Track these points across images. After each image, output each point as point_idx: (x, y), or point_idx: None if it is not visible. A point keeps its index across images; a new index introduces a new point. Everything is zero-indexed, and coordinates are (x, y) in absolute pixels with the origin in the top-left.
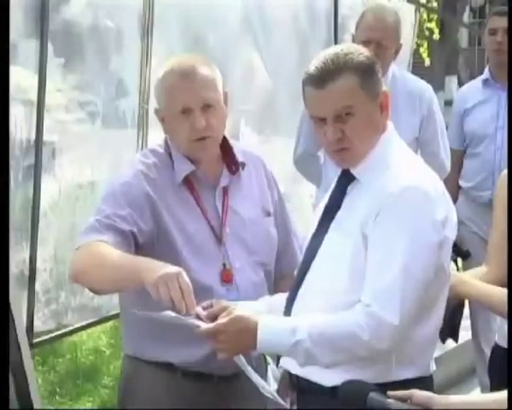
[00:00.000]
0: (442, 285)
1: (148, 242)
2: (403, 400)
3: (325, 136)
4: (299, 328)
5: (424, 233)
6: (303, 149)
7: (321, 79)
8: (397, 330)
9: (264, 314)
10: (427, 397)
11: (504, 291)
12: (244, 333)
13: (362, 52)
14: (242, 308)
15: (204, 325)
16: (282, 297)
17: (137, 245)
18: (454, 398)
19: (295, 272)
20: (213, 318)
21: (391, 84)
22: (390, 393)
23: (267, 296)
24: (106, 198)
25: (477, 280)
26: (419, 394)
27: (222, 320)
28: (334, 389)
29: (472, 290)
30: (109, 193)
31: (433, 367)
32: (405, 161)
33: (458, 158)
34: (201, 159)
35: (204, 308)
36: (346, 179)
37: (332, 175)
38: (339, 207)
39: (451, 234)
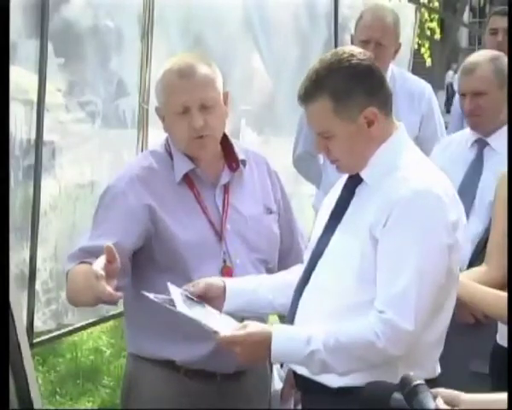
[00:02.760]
0: (450, 289)
1: (147, 243)
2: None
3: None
4: (313, 338)
5: (436, 237)
6: (302, 150)
7: (301, 99)
8: (412, 335)
9: (278, 324)
10: (453, 395)
11: (488, 294)
12: (259, 345)
13: (348, 65)
14: (255, 323)
15: (221, 333)
16: (272, 277)
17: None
18: (481, 397)
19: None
20: (202, 295)
21: (390, 84)
22: None
23: (253, 275)
24: (99, 214)
25: (471, 281)
26: (445, 392)
27: (239, 332)
28: (339, 390)
29: (463, 291)
30: (103, 207)
31: (439, 369)
32: (415, 163)
33: None
34: (200, 158)
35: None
36: (355, 181)
37: (332, 176)
38: (346, 208)
39: (461, 237)
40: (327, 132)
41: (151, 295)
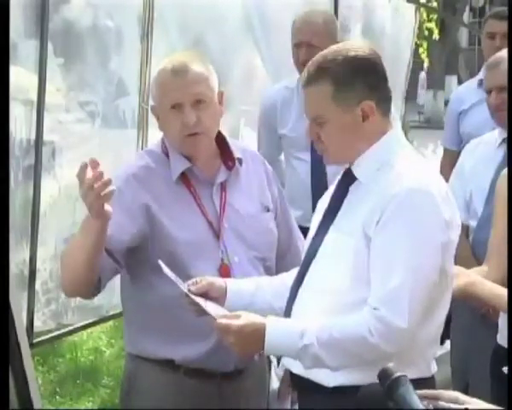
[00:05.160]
0: (445, 287)
1: (144, 243)
2: (434, 398)
3: None
4: (307, 332)
5: (429, 235)
6: (265, 153)
7: (304, 82)
8: (405, 332)
9: (273, 317)
10: (453, 396)
11: (498, 288)
12: (252, 337)
13: (354, 55)
14: (250, 314)
15: (218, 319)
16: (271, 279)
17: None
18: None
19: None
20: (203, 293)
21: None
22: (417, 392)
23: (255, 277)
24: None
25: (487, 281)
26: (446, 392)
27: (234, 322)
28: (334, 389)
29: (479, 292)
30: None
31: (435, 368)
32: (409, 162)
33: (454, 158)
34: (194, 155)
35: (189, 285)
36: (348, 179)
37: (291, 181)
38: (340, 206)
39: (455, 236)
40: (321, 118)
41: (166, 269)
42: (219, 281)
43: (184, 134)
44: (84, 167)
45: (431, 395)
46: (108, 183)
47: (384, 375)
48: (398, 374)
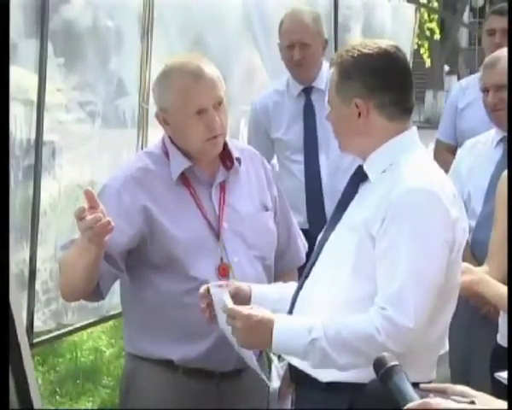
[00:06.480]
0: (451, 292)
1: (143, 244)
2: (441, 392)
3: None
4: (315, 327)
5: (431, 233)
6: None
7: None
8: (412, 332)
9: (282, 314)
10: (458, 390)
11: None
12: (261, 327)
13: (367, 52)
14: (262, 308)
15: (231, 305)
16: (294, 286)
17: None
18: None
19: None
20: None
21: (324, 81)
22: (423, 386)
23: (280, 283)
24: None
25: (494, 280)
26: (454, 386)
27: (244, 308)
28: (328, 384)
29: (484, 290)
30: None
31: (434, 375)
32: (416, 164)
33: (449, 151)
34: (211, 157)
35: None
36: (359, 177)
37: (287, 185)
38: (349, 203)
39: (461, 238)
40: (329, 102)
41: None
42: (245, 286)
43: (208, 137)
44: (81, 210)
45: (438, 388)
46: (107, 224)
47: (379, 364)
48: (392, 363)
